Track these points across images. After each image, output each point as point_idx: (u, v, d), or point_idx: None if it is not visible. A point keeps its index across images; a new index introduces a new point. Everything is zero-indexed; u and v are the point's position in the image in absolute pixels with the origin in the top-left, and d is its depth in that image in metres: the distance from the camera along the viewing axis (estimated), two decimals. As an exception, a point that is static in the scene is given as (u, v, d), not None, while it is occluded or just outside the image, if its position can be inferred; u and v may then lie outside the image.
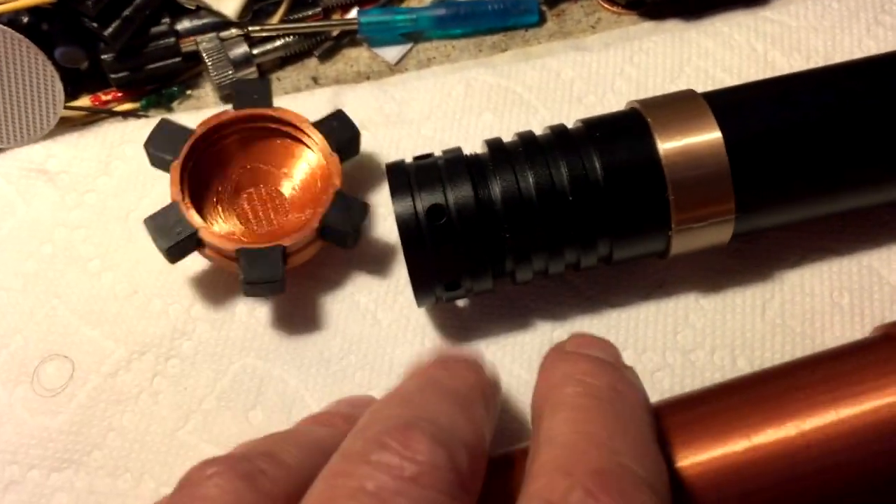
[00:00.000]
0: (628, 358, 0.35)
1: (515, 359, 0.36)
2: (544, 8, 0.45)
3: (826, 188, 0.35)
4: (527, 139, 0.35)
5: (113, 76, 0.42)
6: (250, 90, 0.38)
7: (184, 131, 0.37)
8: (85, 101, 0.43)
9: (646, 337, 0.36)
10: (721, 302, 0.36)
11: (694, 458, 0.27)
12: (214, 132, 0.38)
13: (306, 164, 0.39)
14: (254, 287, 0.35)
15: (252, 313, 0.37)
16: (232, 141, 0.38)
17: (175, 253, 0.35)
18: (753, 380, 0.30)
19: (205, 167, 0.38)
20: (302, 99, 0.42)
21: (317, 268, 0.38)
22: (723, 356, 0.36)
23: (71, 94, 0.42)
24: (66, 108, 0.41)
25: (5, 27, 0.38)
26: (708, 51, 0.43)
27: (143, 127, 0.41)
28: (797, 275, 0.37)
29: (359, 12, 0.45)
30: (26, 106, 0.40)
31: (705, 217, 0.34)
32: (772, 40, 0.43)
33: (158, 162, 0.37)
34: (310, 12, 0.45)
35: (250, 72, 0.43)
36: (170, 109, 0.44)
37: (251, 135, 0.39)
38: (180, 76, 0.44)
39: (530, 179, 0.33)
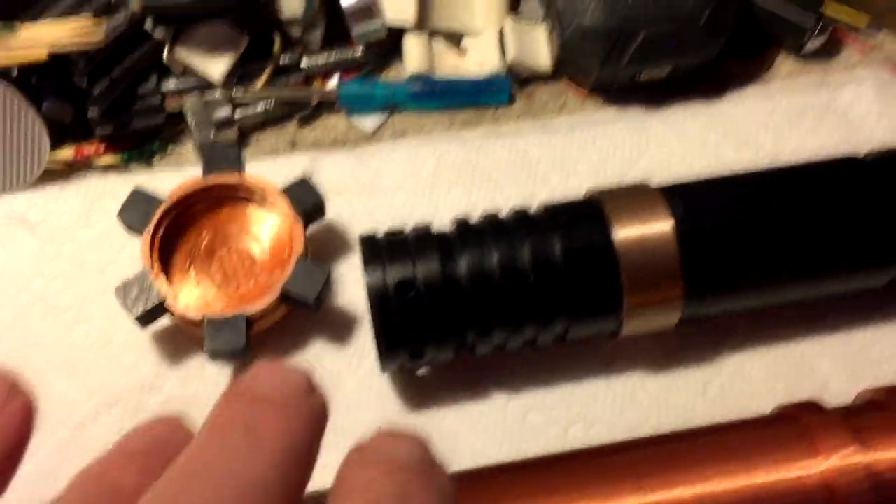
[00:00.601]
0: (577, 432, 0.38)
1: (470, 428, 0.38)
2: (515, 88, 0.48)
3: (769, 281, 0.38)
4: (493, 220, 0.37)
5: (98, 131, 0.44)
6: (220, 155, 0.40)
7: (155, 201, 0.39)
8: (68, 151, 0.44)
9: (595, 412, 0.38)
10: (666, 381, 0.39)
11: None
12: (185, 200, 0.39)
13: (273, 228, 0.40)
14: (218, 354, 0.37)
15: (220, 372, 0.39)
16: (202, 208, 0.40)
17: (144, 320, 0.37)
18: (647, 441, 0.34)
19: (176, 233, 0.39)
20: (279, 162, 0.44)
21: (283, 331, 0.40)
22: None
23: (54, 142, 0.43)
24: (50, 160, 0.43)
25: (-2, 82, 0.40)
26: (664, 140, 0.45)
27: (125, 181, 0.43)
28: (737, 360, 0.39)
29: (339, 83, 0.47)
30: (10, 156, 0.42)
31: (655, 302, 0.36)
32: (724, 133, 0.45)
33: (132, 229, 0.39)
34: (292, 79, 0.47)
35: (231, 133, 0.45)
36: (150, 164, 0.45)
37: (220, 201, 0.40)
38: (163, 133, 0.46)
39: (495, 259, 0.35)
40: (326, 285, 0.38)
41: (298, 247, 0.38)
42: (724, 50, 0.46)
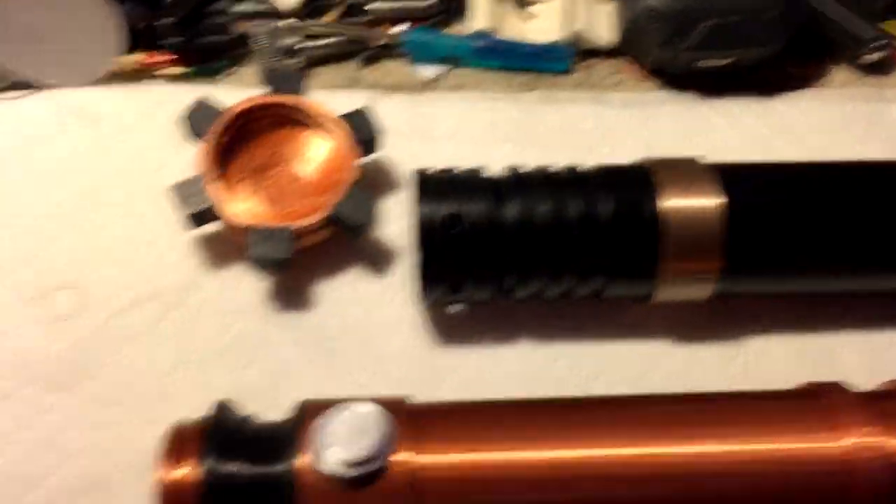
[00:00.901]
0: (598, 388, 0.38)
1: (495, 367, 0.39)
2: (575, 59, 0.49)
3: (805, 270, 0.38)
4: (545, 172, 0.38)
5: (166, 41, 0.45)
6: (284, 77, 0.41)
7: (217, 111, 0.40)
8: (139, 56, 0.45)
9: (619, 371, 0.39)
10: (691, 352, 0.39)
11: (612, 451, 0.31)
12: (246, 115, 0.40)
13: (328, 153, 0.41)
14: (260, 263, 0.37)
15: (260, 283, 0.40)
16: (262, 125, 0.41)
17: (195, 221, 0.38)
18: (669, 398, 0.35)
19: (233, 145, 0.40)
20: (338, 97, 0.45)
21: (325, 253, 0.40)
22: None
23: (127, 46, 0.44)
24: (120, 63, 0.44)
25: None
26: (717, 127, 0.46)
27: (188, 91, 0.43)
28: (762, 341, 0.40)
29: (406, 30, 0.48)
30: (85, 50, 0.43)
31: (691, 273, 0.37)
32: (777, 129, 0.46)
33: (192, 134, 0.39)
34: (360, 19, 0.48)
35: (295, 63, 0.46)
36: (213, 81, 0.46)
37: (280, 120, 0.41)
38: (229, 53, 0.47)
39: (543, 208, 0.36)
40: (373, 214, 0.39)
41: (352, 173, 0.39)
42: (784, 49, 0.47)
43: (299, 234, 0.38)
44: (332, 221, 0.39)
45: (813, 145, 0.46)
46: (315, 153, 0.41)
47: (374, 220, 0.39)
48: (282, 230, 0.37)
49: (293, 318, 0.39)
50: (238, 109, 0.40)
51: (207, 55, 0.46)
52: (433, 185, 0.36)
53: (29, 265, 0.39)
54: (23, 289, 0.38)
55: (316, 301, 0.40)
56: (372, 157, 0.42)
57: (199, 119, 0.39)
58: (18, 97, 0.43)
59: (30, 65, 0.42)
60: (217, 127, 0.39)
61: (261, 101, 0.40)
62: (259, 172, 0.41)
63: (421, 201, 0.36)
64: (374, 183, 0.43)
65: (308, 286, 0.40)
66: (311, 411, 0.31)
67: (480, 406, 0.33)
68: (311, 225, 0.38)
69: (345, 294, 0.40)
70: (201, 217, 0.38)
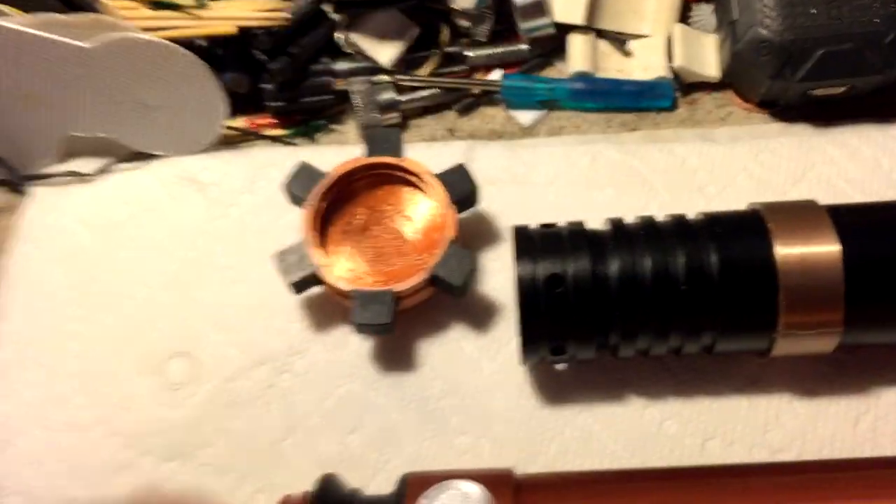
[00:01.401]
0: (714, 447, 0.37)
1: (604, 428, 0.37)
2: (678, 95, 0.47)
3: None
4: (648, 223, 0.37)
5: (271, 104, 0.46)
6: (382, 138, 0.41)
7: (319, 174, 0.40)
8: (240, 122, 0.47)
9: (735, 430, 0.37)
10: (815, 408, 0.37)
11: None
12: (347, 177, 0.41)
13: (427, 211, 0.41)
14: (364, 327, 0.38)
15: (363, 344, 0.40)
16: (361, 185, 0.41)
17: (298, 287, 0.39)
18: (799, 467, 0.33)
19: (335, 207, 0.41)
20: (437, 148, 0.45)
21: (427, 312, 0.40)
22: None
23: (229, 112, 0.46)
24: (225, 127, 0.45)
25: (187, 51, 0.42)
26: (833, 159, 0.44)
27: (290, 153, 0.45)
28: (894, 393, 0.37)
29: (503, 76, 0.47)
30: (191, 120, 0.44)
31: (812, 326, 0.35)
32: (900, 159, 0.43)
33: (295, 199, 0.40)
34: (456, 69, 0.48)
35: (394, 116, 0.46)
36: (314, 140, 0.47)
37: (379, 180, 0.41)
38: (328, 111, 0.48)
39: (647, 263, 0.35)
40: (473, 272, 0.39)
41: (450, 231, 0.39)
42: (905, 72, 0.44)
43: (400, 296, 0.38)
44: (433, 282, 0.39)
45: (942, 174, 0.43)
46: (414, 212, 0.41)
47: (473, 278, 0.39)
48: (383, 294, 0.38)
49: (397, 380, 0.39)
50: (339, 173, 0.40)
51: (308, 116, 0.47)
52: (532, 244, 0.36)
53: (144, 335, 0.41)
54: (138, 359, 0.40)
55: (419, 362, 0.39)
56: (471, 211, 0.41)
57: (300, 183, 0.40)
58: (130, 168, 0.45)
59: (140, 137, 0.44)
60: (318, 191, 0.40)
61: (360, 162, 0.41)
62: (360, 233, 0.41)
63: (519, 261, 0.35)
64: (474, 238, 0.42)
65: (411, 347, 0.40)
66: (413, 486, 0.31)
67: (588, 477, 0.32)
68: (411, 287, 0.38)
69: (448, 354, 0.40)
70: (305, 283, 0.39)
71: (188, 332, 0.40)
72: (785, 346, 0.35)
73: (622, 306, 0.35)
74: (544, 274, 0.35)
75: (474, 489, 0.29)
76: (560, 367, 0.39)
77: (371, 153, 0.41)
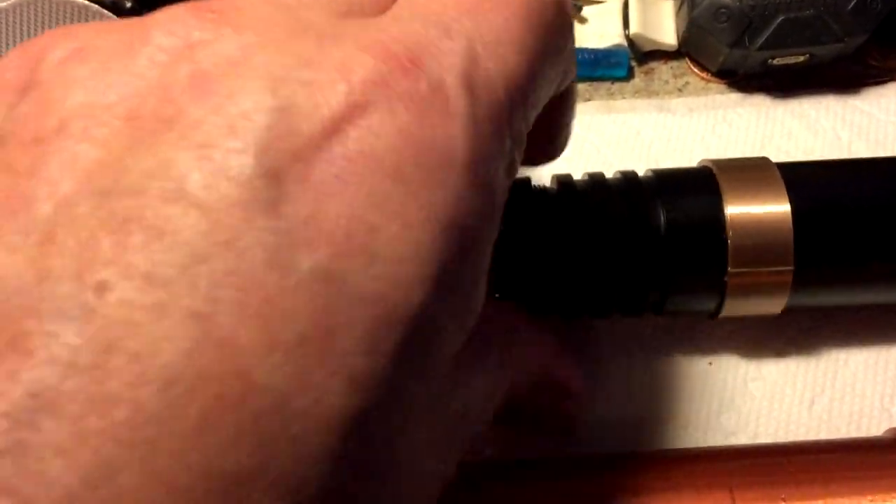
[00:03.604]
0: (671, 431, 0.35)
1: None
2: (633, 64, 0.45)
3: (888, 276, 0.35)
4: (596, 179, 0.35)
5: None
6: None
7: None
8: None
9: (689, 412, 0.36)
10: (770, 389, 0.36)
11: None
12: None
13: None
14: None
15: None
16: None
17: None
18: (752, 451, 0.32)
19: None
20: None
21: None
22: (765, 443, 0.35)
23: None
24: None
25: (107, 12, 0.39)
26: (792, 132, 0.42)
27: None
28: (850, 373, 0.36)
29: (451, 42, 0.45)
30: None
31: (761, 284, 0.33)
32: (858, 131, 0.42)
33: None
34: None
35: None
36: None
37: None
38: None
39: (590, 221, 0.33)
40: None
41: None
42: (865, 42, 0.43)
43: None
44: None
45: (900, 146, 0.42)
46: None
47: None
48: None
49: None
50: None
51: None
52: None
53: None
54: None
55: None
56: None
57: None
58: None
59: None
60: None
61: None
62: None
63: None
64: None
65: None
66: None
67: (531, 464, 0.31)
68: None
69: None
70: None
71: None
72: (734, 307, 0.34)
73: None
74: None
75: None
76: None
77: None
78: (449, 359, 0.18)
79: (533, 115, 0.20)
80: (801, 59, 0.43)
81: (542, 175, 0.41)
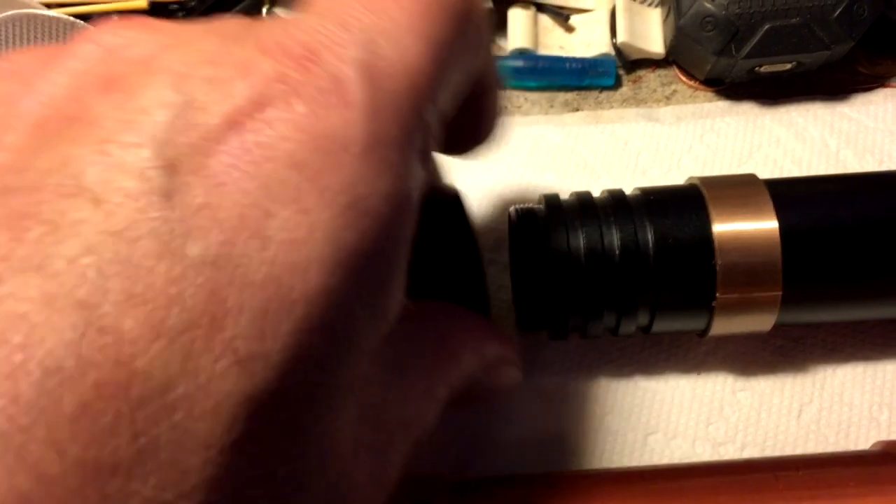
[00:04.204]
0: (657, 442, 0.35)
1: (540, 422, 0.36)
2: (621, 73, 0.45)
3: (876, 293, 0.35)
4: (583, 199, 0.35)
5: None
6: None
7: None
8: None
9: (678, 423, 0.36)
10: (758, 399, 0.36)
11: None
12: None
13: None
14: None
15: None
16: None
17: None
18: (741, 466, 0.32)
19: None
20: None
21: None
22: (752, 454, 0.35)
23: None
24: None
25: (76, 20, 0.39)
26: (780, 140, 0.42)
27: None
28: (838, 382, 0.36)
29: (438, 53, 0.45)
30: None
31: (750, 302, 0.33)
32: (846, 138, 0.42)
33: None
34: (390, 46, 0.46)
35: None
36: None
37: None
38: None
39: (581, 239, 0.33)
40: None
41: None
42: (853, 48, 0.43)
43: None
44: None
45: (889, 153, 0.42)
46: None
47: None
48: None
49: None
50: None
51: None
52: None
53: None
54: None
55: None
56: None
57: None
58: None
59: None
60: None
61: None
62: None
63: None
64: None
65: None
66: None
67: (521, 481, 0.31)
68: None
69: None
70: None
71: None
72: (723, 325, 0.34)
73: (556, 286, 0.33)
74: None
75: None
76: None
77: None
78: (368, 352, 0.18)
79: (445, 102, 0.20)
80: (788, 66, 0.43)
81: (530, 188, 0.41)
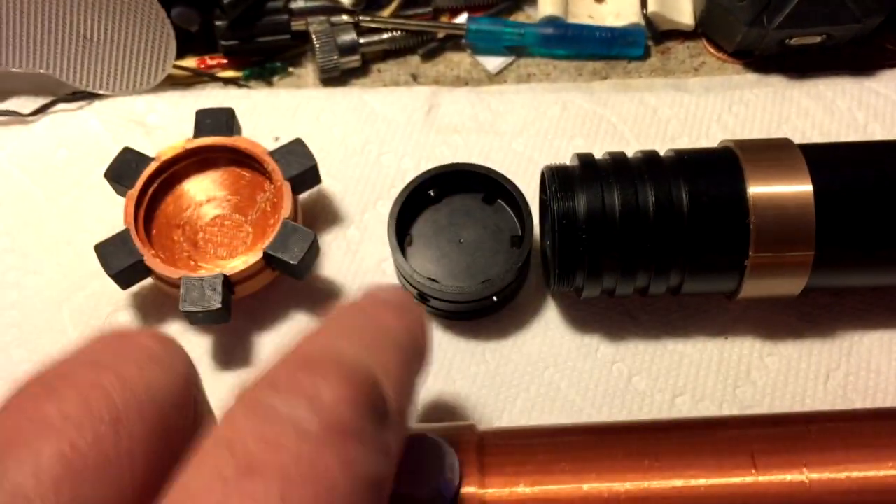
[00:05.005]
0: (684, 403, 0.35)
1: (571, 385, 0.36)
2: (650, 43, 0.46)
3: None
4: (617, 158, 0.35)
5: (223, 43, 0.43)
6: (213, 119, 0.38)
7: (144, 160, 0.37)
8: (191, 62, 0.44)
9: (705, 385, 0.36)
10: (785, 363, 0.36)
11: (697, 481, 0.28)
12: (173, 161, 0.37)
13: (263, 192, 0.38)
14: (194, 315, 0.34)
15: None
16: (189, 169, 0.38)
17: (123, 279, 0.35)
18: (773, 418, 0.32)
19: (163, 195, 0.38)
20: (399, 94, 0.43)
21: (268, 299, 0.38)
22: (779, 418, 0.35)
23: (179, 51, 0.43)
24: (174, 66, 0.42)
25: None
26: (808, 112, 0.42)
27: (243, 96, 0.42)
28: (865, 349, 0.37)
29: (468, 19, 0.45)
30: (137, 58, 0.41)
31: (782, 262, 0.33)
32: (874, 112, 0.42)
33: (119, 189, 0.37)
34: (420, 11, 0.46)
35: (354, 59, 0.44)
36: (270, 83, 0.44)
37: (209, 163, 0.38)
38: (286, 53, 0.45)
39: (616, 198, 0.33)
40: (311, 251, 0.36)
41: (285, 210, 0.36)
42: (882, 23, 0.43)
43: (233, 280, 0.35)
44: (270, 264, 0.36)
45: (916, 128, 0.42)
46: (251, 194, 0.38)
47: (312, 256, 0.36)
48: (213, 278, 0.34)
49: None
50: (164, 158, 0.37)
51: (263, 57, 0.45)
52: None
53: (87, 286, 0.38)
54: (83, 311, 0.38)
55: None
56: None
57: (123, 170, 0.37)
58: (72, 108, 0.42)
59: (83, 74, 0.41)
60: (143, 177, 0.36)
61: (188, 145, 0.37)
62: (194, 221, 0.37)
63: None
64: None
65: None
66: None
67: (554, 431, 0.31)
68: (245, 270, 0.35)
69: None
70: (130, 275, 0.35)
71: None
72: (753, 287, 0.34)
73: (589, 242, 0.33)
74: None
75: (434, 440, 0.28)
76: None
77: (199, 134, 0.38)
78: None
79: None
80: (818, 39, 0.43)
81: (561, 151, 0.42)
